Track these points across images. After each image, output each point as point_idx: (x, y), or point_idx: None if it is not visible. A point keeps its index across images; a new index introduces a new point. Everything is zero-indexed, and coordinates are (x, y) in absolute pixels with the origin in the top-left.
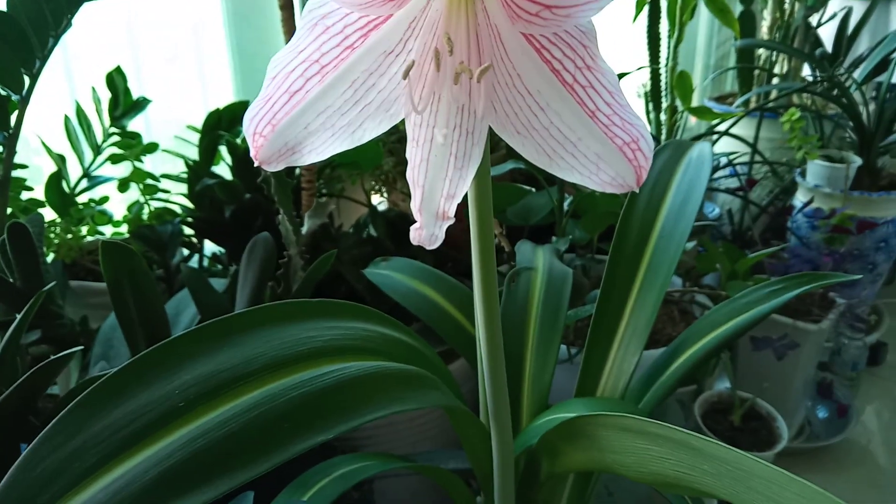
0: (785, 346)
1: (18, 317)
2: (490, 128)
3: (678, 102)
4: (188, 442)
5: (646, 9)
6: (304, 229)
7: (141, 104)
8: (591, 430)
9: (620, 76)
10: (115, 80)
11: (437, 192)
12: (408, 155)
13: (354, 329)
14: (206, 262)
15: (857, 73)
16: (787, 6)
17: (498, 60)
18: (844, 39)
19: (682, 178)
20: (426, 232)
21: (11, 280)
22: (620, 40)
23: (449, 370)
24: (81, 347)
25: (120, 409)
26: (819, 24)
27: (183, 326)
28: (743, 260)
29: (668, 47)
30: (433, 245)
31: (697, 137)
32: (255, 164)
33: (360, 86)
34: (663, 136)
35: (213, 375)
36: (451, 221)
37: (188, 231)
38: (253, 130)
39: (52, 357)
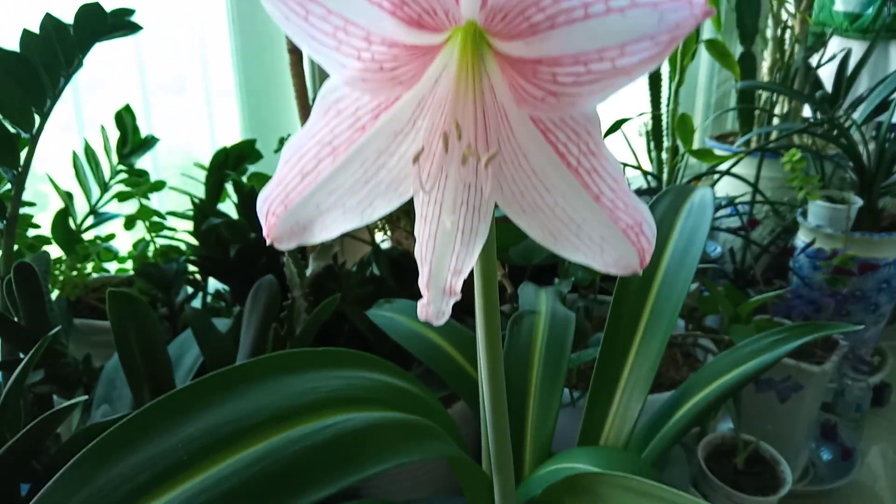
0: (788, 388)
1: (24, 360)
2: None
3: (679, 142)
4: (190, 497)
5: None
6: (309, 271)
7: (149, 142)
8: (595, 488)
9: (622, 122)
10: (124, 118)
11: (445, 268)
12: (416, 232)
13: (357, 378)
14: (209, 298)
15: (858, 114)
16: (787, 47)
17: (505, 140)
18: (844, 80)
19: (683, 224)
20: (433, 308)
21: (16, 319)
22: None
23: (451, 418)
24: (86, 398)
25: (124, 464)
26: (819, 65)
27: (186, 368)
28: (745, 303)
29: (670, 88)
30: (440, 321)
31: (699, 177)
32: (268, 243)
33: (371, 165)
34: (664, 176)
35: (216, 428)
36: (458, 297)
37: (192, 268)
38: (266, 210)
39: (58, 408)
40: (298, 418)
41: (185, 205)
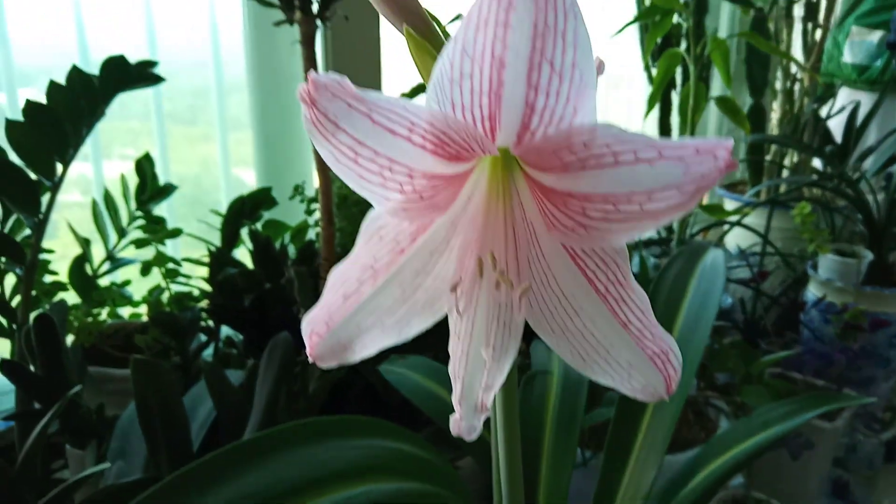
0: (800, 444)
1: (45, 419)
2: None
3: None
4: None
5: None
6: None
7: (167, 190)
8: None
9: None
10: (144, 166)
11: (477, 384)
12: (450, 349)
13: (372, 447)
14: (221, 344)
15: (868, 164)
16: (796, 99)
17: (535, 260)
18: (853, 132)
19: (696, 288)
20: (465, 423)
21: (33, 368)
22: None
23: (463, 482)
24: (106, 466)
25: None
26: (828, 117)
27: (200, 421)
28: (756, 363)
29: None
30: (472, 436)
31: (709, 228)
32: (311, 362)
33: (409, 285)
34: (675, 225)
35: (237, 502)
36: (489, 413)
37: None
38: (310, 331)
39: (76, 477)
40: (319, 490)
41: (199, 241)
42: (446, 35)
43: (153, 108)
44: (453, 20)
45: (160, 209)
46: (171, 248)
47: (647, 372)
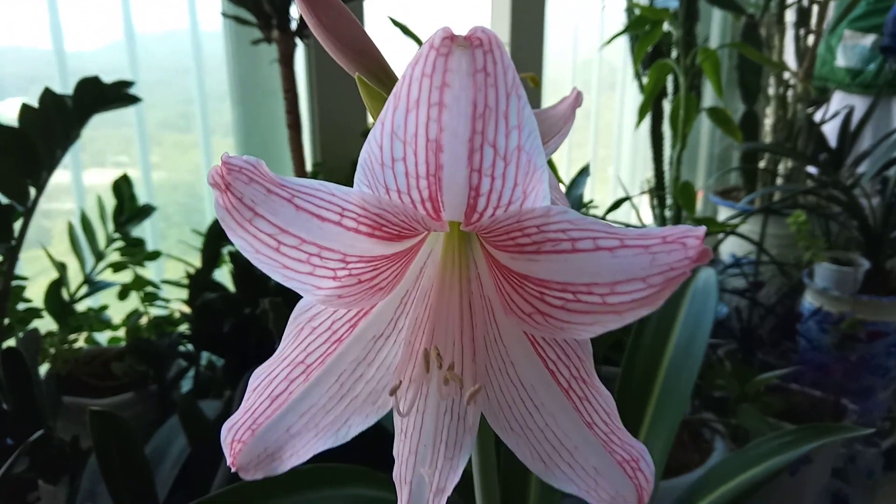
0: (798, 461)
1: (12, 457)
2: None
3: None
4: None
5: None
6: None
7: (146, 211)
8: None
9: (622, 200)
10: (122, 187)
11: (426, 489)
12: (395, 451)
13: (347, 497)
14: (201, 367)
15: (863, 168)
16: (790, 105)
17: (492, 342)
18: (848, 136)
19: (687, 311)
20: None
21: (4, 405)
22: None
23: None
24: None
25: None
26: (822, 122)
27: (173, 458)
28: (752, 382)
29: (672, 147)
30: None
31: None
32: (233, 471)
33: (347, 378)
34: None
35: None
36: None
37: (185, 331)
38: (231, 439)
39: None
40: None
41: (183, 250)
42: None
43: (137, 116)
44: None
45: (154, 219)
46: (154, 264)
47: (617, 479)
